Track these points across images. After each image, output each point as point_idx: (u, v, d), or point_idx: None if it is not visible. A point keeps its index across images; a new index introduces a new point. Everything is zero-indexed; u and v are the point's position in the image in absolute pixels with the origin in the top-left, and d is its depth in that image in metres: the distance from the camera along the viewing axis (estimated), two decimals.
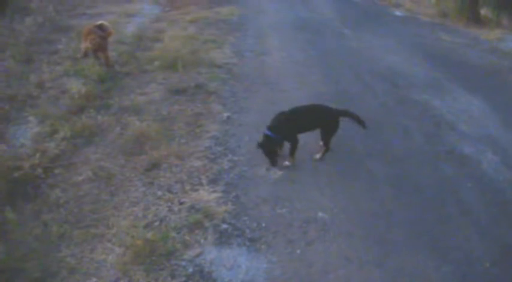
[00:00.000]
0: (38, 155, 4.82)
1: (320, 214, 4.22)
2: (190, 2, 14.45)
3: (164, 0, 14.92)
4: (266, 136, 4.78)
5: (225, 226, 4.02)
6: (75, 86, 6.43)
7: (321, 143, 5.11)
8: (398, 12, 15.00)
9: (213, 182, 4.63)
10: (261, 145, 4.78)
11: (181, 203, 4.29)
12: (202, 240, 3.84)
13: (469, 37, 11.84)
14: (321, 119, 5.01)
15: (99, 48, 7.33)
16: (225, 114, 5.99)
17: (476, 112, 6.61)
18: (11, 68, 7.14)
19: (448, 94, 7.25)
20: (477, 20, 13.63)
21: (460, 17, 13.82)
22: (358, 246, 3.85)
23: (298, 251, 3.77)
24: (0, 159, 4.71)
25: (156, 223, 4.04)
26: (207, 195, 4.39)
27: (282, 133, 4.84)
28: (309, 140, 5.25)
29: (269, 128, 4.81)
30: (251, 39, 10.01)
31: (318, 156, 5.13)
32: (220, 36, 9.84)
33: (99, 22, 7.77)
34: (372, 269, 3.62)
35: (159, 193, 4.45)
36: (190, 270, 3.55)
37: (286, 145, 4.99)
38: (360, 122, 5.08)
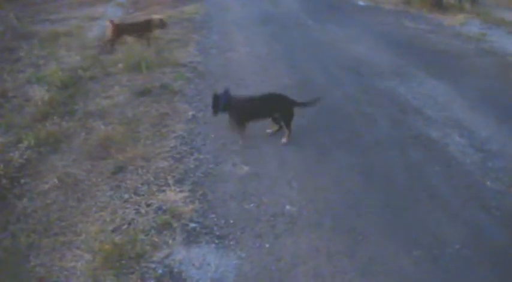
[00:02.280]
0: (1, 165, 4.80)
1: (288, 207, 4.25)
2: (154, 2, 14.41)
3: (128, 1, 14.86)
4: (215, 96, 5.23)
5: (193, 225, 4.03)
6: (39, 94, 6.40)
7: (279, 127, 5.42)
8: (361, 2, 15.13)
9: (179, 181, 4.64)
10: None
11: (148, 205, 4.29)
12: (170, 241, 3.85)
13: (433, 23, 12.02)
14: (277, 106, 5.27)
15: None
16: (190, 113, 6.01)
17: (442, 97, 6.71)
18: None
19: (414, 80, 7.34)
20: (440, 6, 13.84)
21: (423, 3, 14.01)
22: (327, 237, 3.88)
23: (267, 245, 3.79)
24: None
25: (124, 226, 4.03)
26: (174, 196, 4.40)
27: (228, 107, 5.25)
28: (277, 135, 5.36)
29: (225, 92, 5.25)
30: (216, 36, 10.04)
31: (284, 140, 5.28)
32: (185, 35, 9.88)
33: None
34: (341, 259, 3.65)
35: (126, 196, 4.45)
36: (160, 271, 3.56)
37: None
38: (313, 102, 5.38)
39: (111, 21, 9.02)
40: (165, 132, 5.55)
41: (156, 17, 9.54)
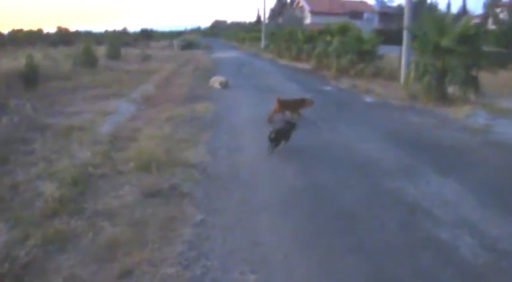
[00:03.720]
0: (6, 264, 4.78)
1: None
2: (166, 99, 14.92)
3: (141, 97, 15.36)
4: None
5: None
6: (49, 190, 6.47)
7: None
8: (369, 99, 15.78)
9: None
10: None
11: None
12: None
13: (439, 117, 12.46)
14: None
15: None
16: (199, 217, 6.01)
17: (451, 195, 6.75)
18: None
19: (422, 179, 7.43)
20: (445, 99, 14.36)
21: (429, 97, 14.56)
22: None
23: None
24: None
25: None
26: None
27: None
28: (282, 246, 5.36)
29: None
30: (225, 136, 10.31)
31: None
32: (195, 135, 10.13)
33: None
34: None
35: None
36: None
37: None
38: None
39: (278, 98, 12.01)
40: (172, 236, 5.54)
41: (308, 97, 12.90)
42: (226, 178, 7.57)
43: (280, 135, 8.78)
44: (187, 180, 7.28)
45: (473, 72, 14.47)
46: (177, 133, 10.15)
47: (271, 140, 8.63)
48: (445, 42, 14.31)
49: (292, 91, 17.07)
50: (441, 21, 15.34)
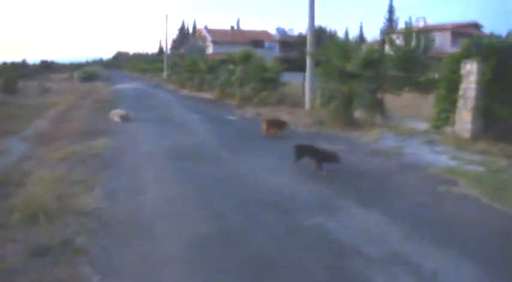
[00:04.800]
0: None
1: None
2: (62, 135, 13.89)
3: (34, 135, 14.26)
4: None
5: None
6: None
7: None
8: None
9: None
10: None
11: None
12: None
13: (349, 142, 12.56)
14: None
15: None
16: (95, 279, 5.10)
17: (376, 228, 6.42)
18: None
19: (342, 213, 7.04)
20: (352, 123, 14.56)
21: (336, 122, 14.65)
22: None
23: None
24: None
25: None
26: None
27: None
28: None
29: None
30: (124, 176, 9.32)
31: None
32: (91, 176, 9.02)
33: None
34: None
35: None
36: None
37: None
38: None
39: (267, 119, 14.63)
40: None
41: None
42: (126, 227, 6.63)
43: (302, 150, 9.77)
44: (81, 232, 6.27)
45: (379, 96, 14.83)
46: (71, 175, 9.03)
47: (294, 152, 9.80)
48: (351, 67, 14.56)
49: (196, 122, 16.64)
50: (345, 47, 15.67)
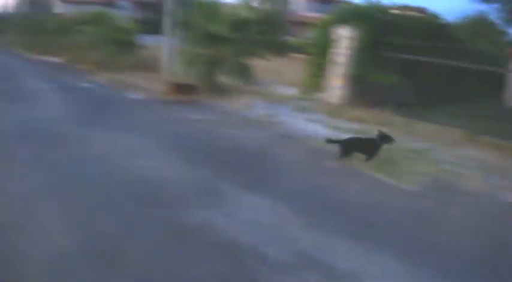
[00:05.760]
0: None
1: None
2: None
3: None
4: None
5: None
6: None
7: None
8: (134, 95, 13.87)
9: None
10: None
11: None
12: None
13: (218, 111, 11.69)
14: None
15: None
16: None
17: (273, 219, 5.38)
18: None
19: (229, 202, 5.79)
20: (218, 89, 13.84)
21: (204, 90, 13.69)
22: None
23: None
24: None
25: None
26: None
27: None
28: None
29: None
30: None
31: None
32: None
33: None
34: None
35: None
36: None
37: None
38: None
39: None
40: None
41: None
42: None
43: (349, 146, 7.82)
44: None
45: (245, 60, 14.19)
46: None
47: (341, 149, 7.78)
48: (216, 28, 13.53)
49: (47, 92, 14.30)
50: (211, 6, 14.50)
